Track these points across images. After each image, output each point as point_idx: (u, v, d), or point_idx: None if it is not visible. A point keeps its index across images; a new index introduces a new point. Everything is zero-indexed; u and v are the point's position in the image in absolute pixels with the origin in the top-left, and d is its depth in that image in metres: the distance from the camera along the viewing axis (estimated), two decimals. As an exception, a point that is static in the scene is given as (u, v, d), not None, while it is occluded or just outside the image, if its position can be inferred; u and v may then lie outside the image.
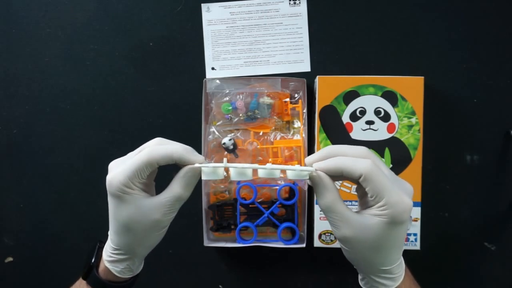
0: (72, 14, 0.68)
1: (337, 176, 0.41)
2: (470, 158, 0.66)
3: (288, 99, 0.65)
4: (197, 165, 0.41)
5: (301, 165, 0.42)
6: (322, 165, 0.40)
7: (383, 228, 0.39)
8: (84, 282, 0.47)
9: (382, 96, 0.62)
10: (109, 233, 0.45)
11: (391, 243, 0.40)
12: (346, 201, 0.62)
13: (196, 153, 0.42)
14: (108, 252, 0.45)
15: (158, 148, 0.41)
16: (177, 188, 0.42)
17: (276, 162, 0.64)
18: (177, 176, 0.42)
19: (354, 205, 0.62)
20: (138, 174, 0.41)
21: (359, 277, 0.45)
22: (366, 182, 0.38)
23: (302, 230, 0.65)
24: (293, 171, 0.41)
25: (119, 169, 0.41)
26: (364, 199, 0.42)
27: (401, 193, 0.38)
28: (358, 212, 0.41)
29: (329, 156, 0.41)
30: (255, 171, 0.42)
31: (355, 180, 0.40)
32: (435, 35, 0.66)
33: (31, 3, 0.68)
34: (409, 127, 0.62)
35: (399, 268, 0.42)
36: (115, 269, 0.45)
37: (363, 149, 0.41)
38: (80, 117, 0.68)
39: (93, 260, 0.47)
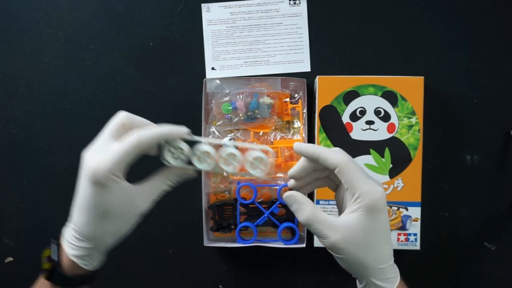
0: (72, 14, 0.68)
1: (309, 183, 0.45)
2: (470, 158, 0.66)
3: (288, 99, 0.65)
4: (178, 165, 0.43)
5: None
6: (302, 146, 0.43)
7: (365, 220, 0.40)
8: (46, 282, 0.45)
9: (382, 96, 0.62)
10: (75, 224, 0.43)
11: (378, 235, 0.41)
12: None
13: (178, 127, 0.43)
14: (73, 246, 0.44)
15: (145, 132, 0.41)
16: (166, 182, 0.44)
17: (276, 162, 0.64)
18: (167, 169, 0.44)
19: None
20: (128, 159, 0.41)
21: (359, 286, 0.45)
22: (341, 173, 0.41)
23: (302, 230, 0.64)
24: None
25: (105, 155, 0.40)
26: (341, 202, 0.45)
27: (373, 183, 0.41)
28: (339, 216, 0.43)
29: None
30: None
31: (329, 170, 0.43)
32: (435, 35, 0.66)
33: (31, 3, 0.68)
34: (409, 127, 0.62)
35: (393, 269, 0.43)
36: (83, 262, 0.44)
37: (339, 149, 0.44)
38: (80, 117, 0.68)
39: (56, 258, 0.45)
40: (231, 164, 0.44)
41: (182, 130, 0.43)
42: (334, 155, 0.42)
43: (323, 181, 0.46)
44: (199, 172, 0.46)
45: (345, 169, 0.41)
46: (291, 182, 0.46)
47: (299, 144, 0.44)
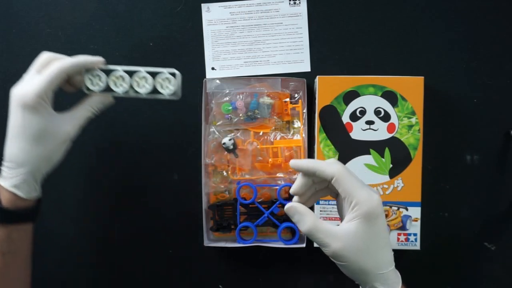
0: (72, 14, 0.68)
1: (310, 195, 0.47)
2: (470, 158, 0.66)
3: (288, 99, 0.65)
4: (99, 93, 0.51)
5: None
6: (299, 162, 0.45)
7: (363, 227, 0.42)
8: None
9: (382, 96, 0.62)
10: (8, 156, 0.46)
11: (376, 241, 0.42)
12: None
13: (94, 57, 0.51)
14: (9, 176, 0.46)
15: (65, 60, 0.48)
16: (89, 108, 0.51)
17: (276, 162, 0.64)
18: (89, 98, 0.51)
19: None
20: (53, 85, 0.46)
21: None
22: (338, 183, 0.43)
23: (302, 230, 0.65)
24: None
25: (32, 83, 0.46)
26: (340, 210, 0.46)
27: (369, 191, 0.43)
28: (339, 225, 0.44)
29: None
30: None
31: (327, 181, 0.44)
32: (435, 35, 0.66)
33: (31, 3, 0.68)
34: (409, 127, 0.62)
35: (395, 274, 0.44)
36: (20, 191, 0.46)
37: (334, 160, 0.46)
38: (80, 117, 0.68)
39: None
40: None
41: (97, 59, 0.51)
42: (330, 167, 0.43)
43: (323, 191, 0.47)
44: (116, 98, 0.53)
45: (341, 179, 0.43)
46: (295, 200, 0.47)
47: (295, 161, 0.46)
